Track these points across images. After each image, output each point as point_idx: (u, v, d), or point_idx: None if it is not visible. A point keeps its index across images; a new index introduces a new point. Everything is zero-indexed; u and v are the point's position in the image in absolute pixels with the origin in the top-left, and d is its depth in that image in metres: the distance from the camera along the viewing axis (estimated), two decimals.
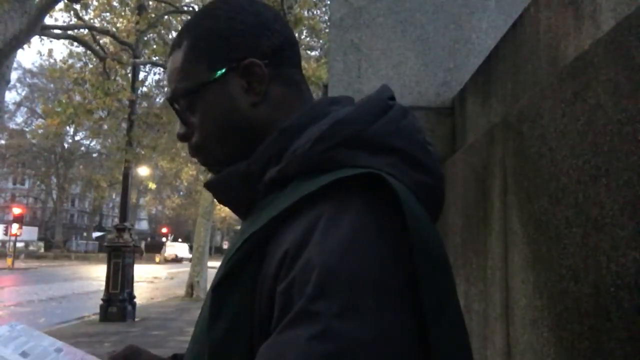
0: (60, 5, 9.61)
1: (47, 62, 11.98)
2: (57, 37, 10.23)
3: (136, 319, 10.10)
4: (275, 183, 0.64)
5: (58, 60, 11.37)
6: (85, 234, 54.96)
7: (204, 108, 0.72)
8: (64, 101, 10.74)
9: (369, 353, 0.49)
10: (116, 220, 13.64)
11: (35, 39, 8.27)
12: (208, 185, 0.73)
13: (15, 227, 31.23)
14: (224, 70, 0.71)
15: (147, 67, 14.12)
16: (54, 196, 41.63)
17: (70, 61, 11.17)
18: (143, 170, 17.71)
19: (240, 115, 0.71)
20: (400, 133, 0.64)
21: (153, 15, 11.25)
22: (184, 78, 0.73)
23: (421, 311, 0.54)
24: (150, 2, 11.55)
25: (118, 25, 11.45)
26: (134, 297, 10.46)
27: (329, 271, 0.52)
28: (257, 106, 0.72)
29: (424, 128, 0.70)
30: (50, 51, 11.11)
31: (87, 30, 11.01)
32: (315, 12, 11.68)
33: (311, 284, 0.52)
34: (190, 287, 14.26)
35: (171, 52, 0.76)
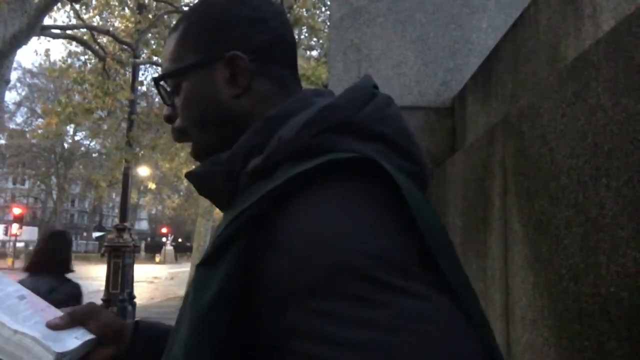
0: (60, 4, 9.62)
1: (47, 62, 11.99)
2: (57, 37, 10.23)
3: (136, 319, 10.11)
4: (259, 172, 0.63)
5: (57, 60, 11.39)
6: (85, 234, 54.95)
7: (186, 92, 0.74)
8: (63, 101, 10.74)
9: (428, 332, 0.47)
10: (116, 220, 13.64)
11: (33, 39, 8.27)
12: (189, 176, 0.73)
13: (15, 227, 31.23)
14: (208, 59, 0.73)
15: (147, 66, 14.13)
16: (54, 196, 41.61)
17: (69, 60, 11.17)
18: (143, 170, 17.69)
19: (220, 105, 0.72)
20: (387, 120, 0.64)
21: (151, 16, 11.24)
22: (173, 60, 0.75)
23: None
24: (149, 2, 11.55)
25: (117, 24, 11.45)
26: (134, 297, 10.45)
27: (345, 259, 0.51)
28: (239, 99, 0.72)
29: (424, 128, 0.70)
30: (47, 51, 11.15)
31: (86, 30, 11.01)
32: (314, 12, 11.69)
33: (327, 275, 0.50)
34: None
35: (169, 35, 0.79)
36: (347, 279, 0.50)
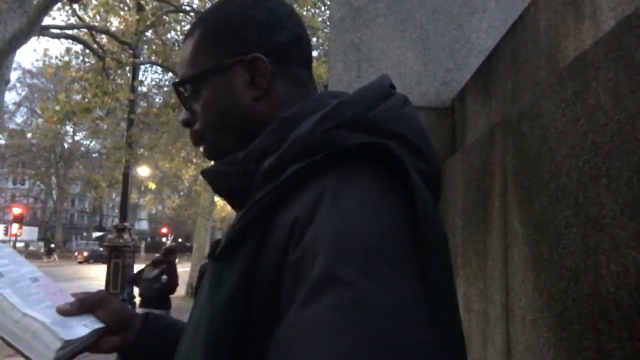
0: (59, 4, 9.61)
1: (45, 61, 11.97)
2: (56, 36, 10.22)
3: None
4: (273, 171, 0.63)
5: (55, 57, 11.37)
6: (85, 234, 54.96)
7: (206, 97, 0.74)
8: (61, 99, 10.71)
9: (390, 319, 0.48)
10: (116, 220, 13.66)
11: (32, 38, 8.26)
12: (204, 173, 0.73)
13: (15, 227, 31.24)
14: (228, 62, 0.72)
15: (147, 66, 14.14)
16: (54, 196, 41.61)
17: (66, 58, 11.14)
18: (143, 170, 17.69)
19: (241, 108, 0.72)
20: (401, 119, 0.65)
21: (151, 15, 11.23)
22: (191, 65, 0.75)
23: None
24: (149, 1, 11.53)
25: (116, 24, 11.44)
26: (134, 297, 10.45)
27: (342, 238, 0.51)
28: (259, 101, 0.72)
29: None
30: (45, 50, 11.16)
31: (86, 30, 11.00)
32: (314, 12, 11.70)
33: (325, 252, 0.50)
34: (191, 286, 14.26)
35: (185, 40, 0.78)
36: (313, 262, 0.50)
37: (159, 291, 7.03)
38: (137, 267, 11.58)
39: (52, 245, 40.05)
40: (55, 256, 37.54)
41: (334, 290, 0.48)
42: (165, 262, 7.37)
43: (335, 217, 0.53)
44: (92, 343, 0.81)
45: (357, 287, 0.48)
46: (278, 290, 0.55)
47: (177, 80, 0.78)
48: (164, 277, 7.00)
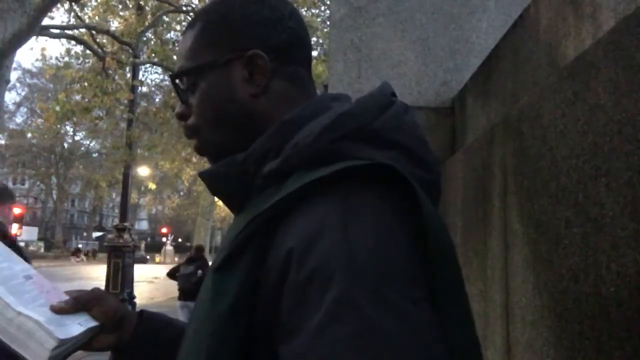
0: (59, 4, 9.60)
1: (45, 61, 11.93)
2: (56, 36, 10.21)
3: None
4: (274, 176, 0.63)
5: (55, 58, 11.36)
6: (85, 234, 55.00)
7: (203, 90, 0.73)
8: (61, 99, 10.70)
9: (400, 345, 0.49)
10: (116, 220, 13.65)
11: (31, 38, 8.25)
12: (202, 175, 0.73)
13: (15, 227, 31.26)
14: (227, 57, 0.72)
15: (147, 66, 14.13)
16: (54, 196, 41.62)
17: (66, 59, 11.13)
18: (143, 170, 17.70)
19: (237, 104, 0.72)
20: (403, 128, 0.65)
21: (151, 15, 11.23)
22: (190, 58, 0.74)
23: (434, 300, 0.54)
24: (148, 1, 11.52)
25: (116, 25, 11.43)
26: (134, 297, 10.46)
27: (355, 263, 0.51)
28: (257, 98, 0.72)
29: (424, 128, 0.70)
30: (42, 50, 11.14)
31: (85, 30, 10.99)
32: (314, 11, 11.72)
33: (339, 277, 0.50)
34: None
35: (185, 32, 0.78)
36: (325, 285, 0.51)
37: (196, 285, 7.94)
38: (137, 267, 11.62)
39: (80, 246, 41.14)
40: (83, 256, 38.06)
41: (348, 316, 0.49)
42: (198, 258, 8.30)
43: (345, 240, 0.53)
44: (86, 341, 0.80)
45: (370, 313, 0.49)
46: (277, 306, 0.54)
47: (174, 72, 0.77)
48: (200, 272, 7.92)
